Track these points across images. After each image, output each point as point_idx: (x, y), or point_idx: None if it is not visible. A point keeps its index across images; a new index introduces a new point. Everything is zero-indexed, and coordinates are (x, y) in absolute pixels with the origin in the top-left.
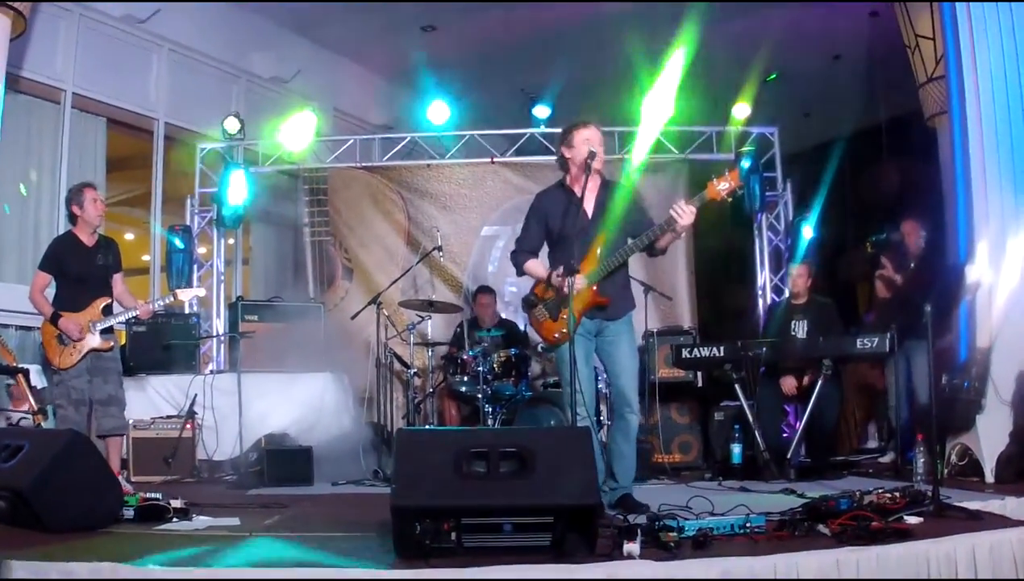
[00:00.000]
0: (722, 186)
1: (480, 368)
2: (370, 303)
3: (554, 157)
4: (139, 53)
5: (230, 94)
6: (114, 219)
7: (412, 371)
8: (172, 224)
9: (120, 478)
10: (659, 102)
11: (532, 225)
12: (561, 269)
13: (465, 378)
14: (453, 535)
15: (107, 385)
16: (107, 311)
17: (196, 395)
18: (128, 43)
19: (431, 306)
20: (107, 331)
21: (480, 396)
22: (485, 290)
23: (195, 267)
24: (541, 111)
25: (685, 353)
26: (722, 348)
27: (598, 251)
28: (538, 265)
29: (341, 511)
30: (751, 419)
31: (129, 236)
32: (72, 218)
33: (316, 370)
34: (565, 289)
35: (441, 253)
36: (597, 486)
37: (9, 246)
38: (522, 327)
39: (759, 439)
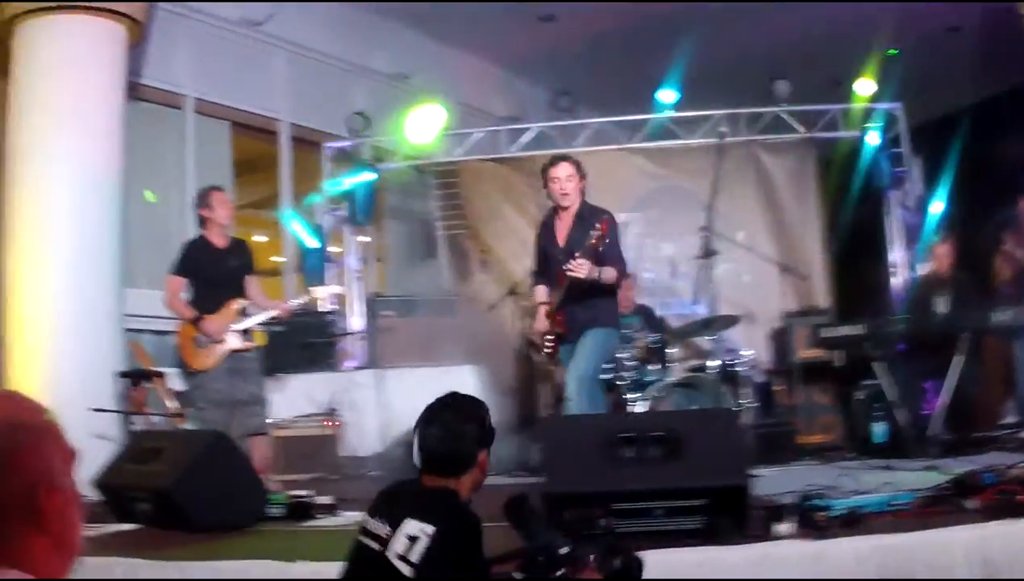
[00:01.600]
0: (595, 234)
1: (622, 355)
2: (507, 294)
3: (684, 140)
4: (259, 55)
5: (352, 92)
6: (243, 222)
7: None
8: (302, 223)
9: (265, 477)
10: (779, 81)
11: (536, 251)
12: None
13: (607, 365)
14: (604, 521)
15: (248, 385)
16: (242, 312)
17: (336, 392)
18: (247, 46)
19: None
20: (245, 332)
21: (622, 383)
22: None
23: (328, 266)
24: (667, 95)
25: (824, 333)
26: (861, 326)
27: (560, 287)
28: (540, 292)
29: (488, 502)
30: (891, 397)
31: (260, 238)
32: (202, 222)
33: (456, 363)
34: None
35: None
36: (747, 467)
37: (140, 253)
38: (658, 313)
39: (900, 416)
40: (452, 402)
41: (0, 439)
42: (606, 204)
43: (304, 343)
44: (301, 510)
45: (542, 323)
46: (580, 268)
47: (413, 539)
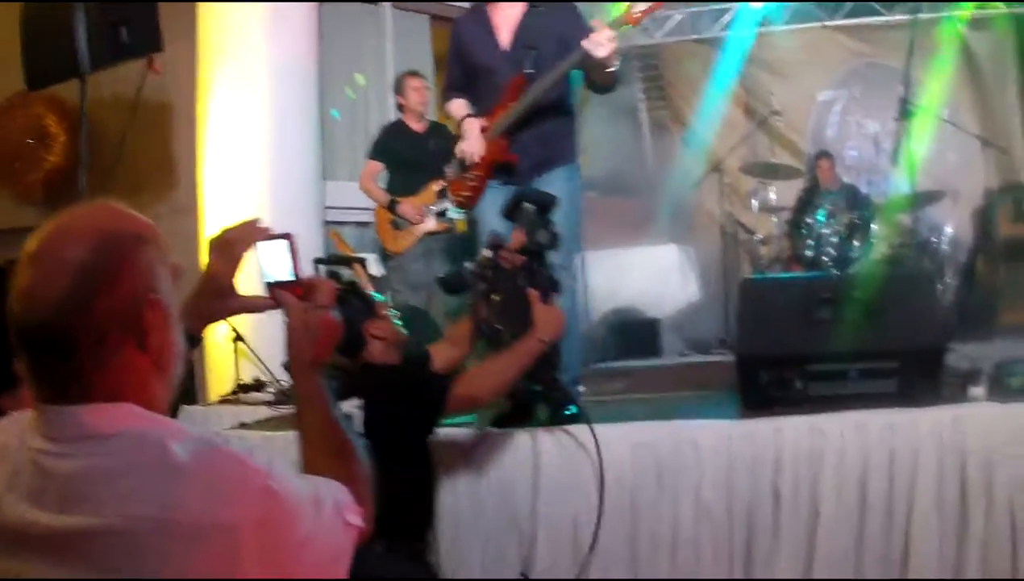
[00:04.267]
0: (638, 8)
1: (825, 231)
2: (710, 170)
3: (885, 17)
4: None
5: None
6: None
7: (757, 237)
8: None
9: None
10: None
11: (451, 61)
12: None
13: (811, 242)
14: (798, 384)
15: (447, 268)
16: (441, 194)
17: None
18: None
19: (772, 170)
20: (443, 214)
21: (826, 260)
22: (825, 154)
23: None
24: None
25: None
26: None
27: (510, 98)
28: (457, 107)
29: (687, 376)
30: None
31: None
32: (399, 108)
33: (659, 242)
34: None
35: (779, 117)
36: (944, 328)
37: (341, 148)
38: (864, 190)
39: None
40: None
41: (103, 249)
42: (808, 81)
43: None
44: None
45: (475, 143)
46: (604, 44)
47: None
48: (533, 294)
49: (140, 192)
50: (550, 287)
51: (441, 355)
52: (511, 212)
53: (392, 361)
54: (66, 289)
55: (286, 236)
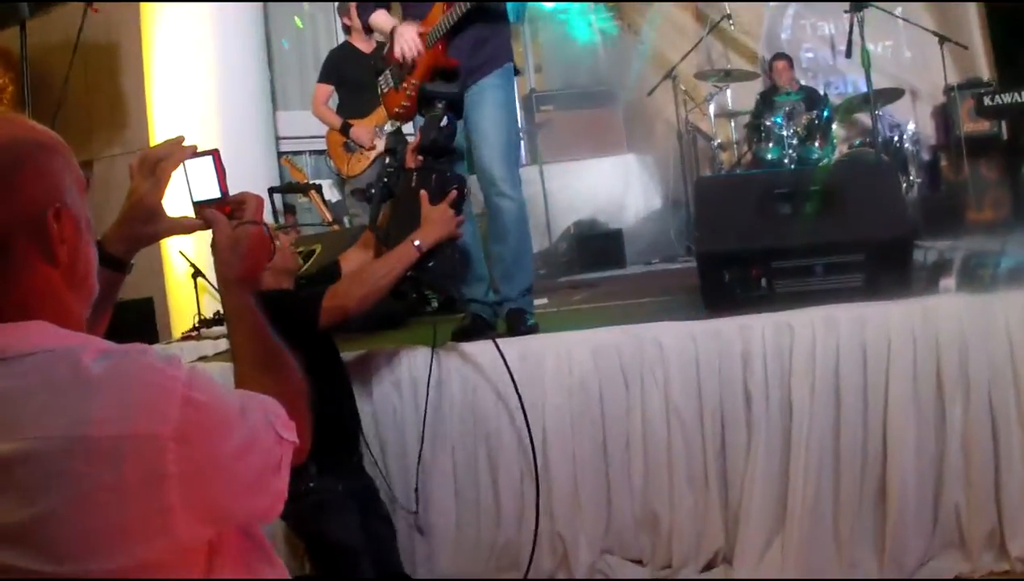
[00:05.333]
0: None
1: (784, 133)
2: (665, 78)
3: None
4: None
5: None
6: None
7: (716, 143)
8: None
9: None
10: None
11: None
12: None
13: (771, 145)
14: (763, 281)
15: None
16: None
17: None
18: None
19: (727, 75)
20: (397, 133)
21: (787, 162)
22: (781, 56)
23: None
24: None
25: (987, 100)
26: None
27: (444, 3)
28: (383, 17)
29: (651, 283)
30: None
31: None
32: (346, 29)
33: (618, 153)
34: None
35: (731, 22)
36: (909, 219)
37: (291, 76)
38: (822, 91)
39: None
40: None
41: (2, 160)
42: None
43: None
44: (452, 302)
45: (412, 42)
46: None
47: None
48: (423, 196)
49: (91, 135)
50: (444, 188)
51: (352, 260)
52: (422, 108)
53: (286, 286)
54: None
55: (212, 153)
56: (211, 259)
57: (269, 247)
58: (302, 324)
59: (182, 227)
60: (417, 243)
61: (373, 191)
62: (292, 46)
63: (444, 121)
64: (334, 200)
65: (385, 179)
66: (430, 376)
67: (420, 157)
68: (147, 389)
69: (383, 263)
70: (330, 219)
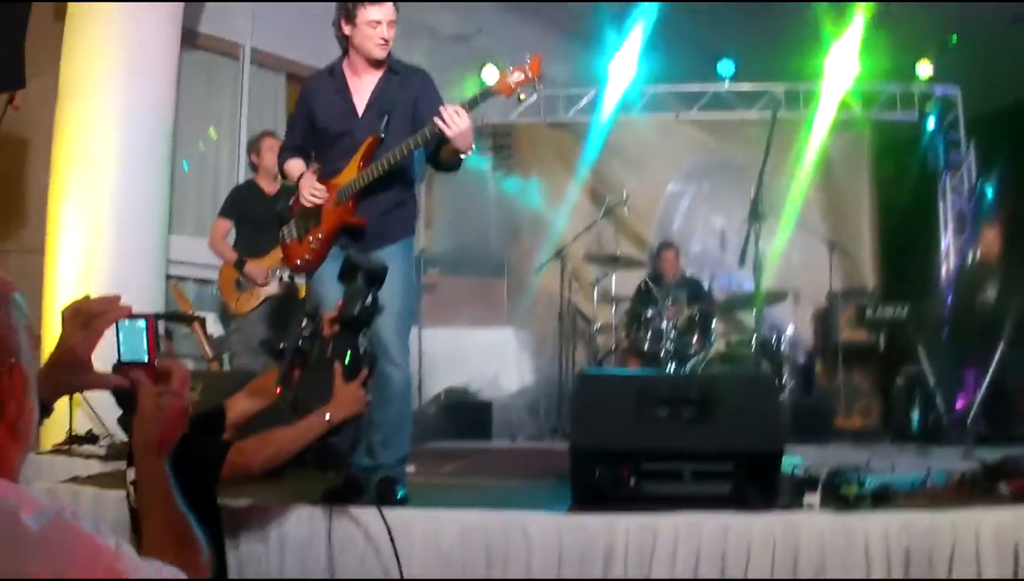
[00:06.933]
0: (516, 78)
1: (663, 325)
2: (554, 257)
3: (740, 112)
4: (318, 7)
5: (412, 50)
6: None
7: (595, 327)
8: None
9: None
10: (844, 58)
11: (297, 120)
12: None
13: (649, 335)
14: (632, 481)
15: (286, 332)
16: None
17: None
18: None
19: (615, 261)
20: (289, 278)
21: (663, 354)
22: (668, 246)
23: None
24: (725, 67)
25: (869, 313)
26: (906, 309)
27: (360, 162)
28: (295, 167)
29: (518, 463)
30: (932, 383)
31: None
32: (252, 167)
33: (498, 325)
34: (311, 202)
35: (626, 208)
36: (781, 434)
37: (188, 201)
38: (706, 286)
39: (940, 404)
40: None
41: None
42: (658, 172)
43: None
44: (329, 456)
45: (317, 191)
46: (457, 123)
47: None
48: (337, 369)
49: None
50: (358, 365)
51: (237, 408)
52: (343, 277)
53: None
54: None
55: (147, 317)
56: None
57: (186, 420)
58: (201, 473)
59: (107, 383)
60: (328, 417)
61: (282, 347)
62: (192, 168)
63: (369, 298)
64: (215, 334)
65: (299, 342)
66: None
67: (336, 327)
68: (80, 557)
69: (293, 431)
70: (210, 355)
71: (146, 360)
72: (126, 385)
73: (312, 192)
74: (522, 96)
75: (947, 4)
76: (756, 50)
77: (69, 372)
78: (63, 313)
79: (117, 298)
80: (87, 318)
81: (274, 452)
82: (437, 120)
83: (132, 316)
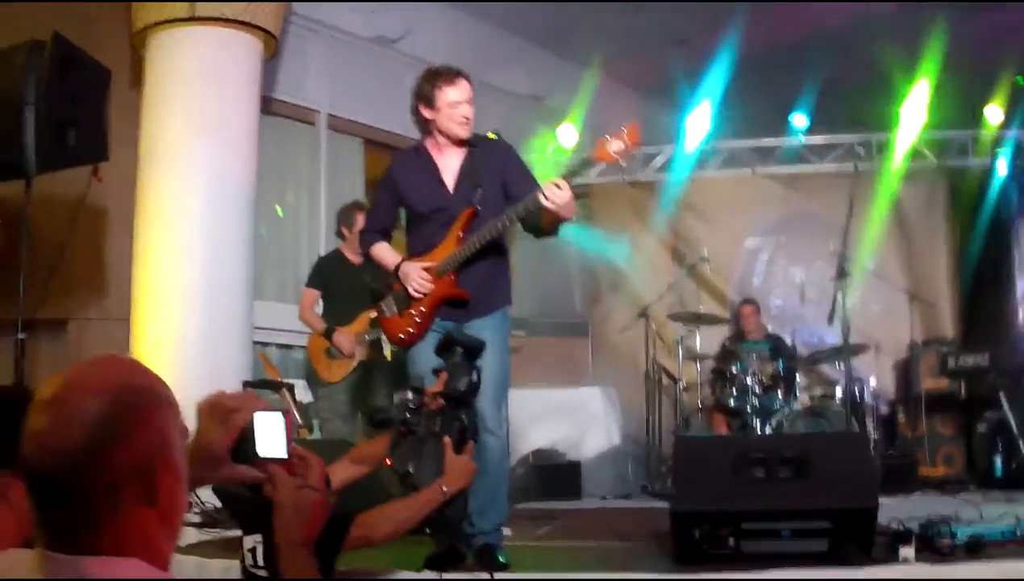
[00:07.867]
0: (615, 146)
1: (748, 381)
2: (639, 316)
3: (816, 166)
4: (392, 73)
5: (486, 111)
6: None
7: (681, 385)
8: None
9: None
10: (915, 106)
11: (382, 200)
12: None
13: (734, 392)
14: (731, 540)
15: (376, 399)
16: (374, 324)
17: None
18: (381, 63)
19: (698, 319)
20: (376, 345)
21: (749, 410)
22: (750, 302)
23: None
24: (799, 120)
25: (951, 362)
26: (987, 356)
27: (459, 233)
28: (386, 251)
29: (612, 523)
30: (1015, 429)
31: None
32: (340, 235)
33: (584, 384)
34: (419, 293)
35: (707, 264)
36: (875, 490)
37: (269, 266)
38: (789, 341)
39: (1023, 449)
40: None
41: (121, 402)
42: (736, 227)
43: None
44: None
45: (424, 282)
46: (561, 193)
47: None
48: (447, 442)
49: (71, 293)
50: (464, 437)
51: (340, 475)
52: (442, 351)
53: None
54: (83, 440)
55: (283, 412)
56: None
57: (327, 513)
58: (323, 548)
59: (243, 477)
60: (445, 489)
61: (381, 418)
62: (270, 234)
63: (475, 376)
64: (305, 401)
65: (407, 415)
66: None
67: (441, 401)
68: None
69: (413, 503)
70: (300, 422)
71: (285, 456)
72: (264, 480)
73: (420, 282)
74: (623, 164)
75: (1010, 46)
76: (829, 101)
77: (207, 466)
78: (199, 408)
79: (252, 395)
80: (224, 414)
81: (395, 526)
82: (540, 196)
83: (268, 410)
